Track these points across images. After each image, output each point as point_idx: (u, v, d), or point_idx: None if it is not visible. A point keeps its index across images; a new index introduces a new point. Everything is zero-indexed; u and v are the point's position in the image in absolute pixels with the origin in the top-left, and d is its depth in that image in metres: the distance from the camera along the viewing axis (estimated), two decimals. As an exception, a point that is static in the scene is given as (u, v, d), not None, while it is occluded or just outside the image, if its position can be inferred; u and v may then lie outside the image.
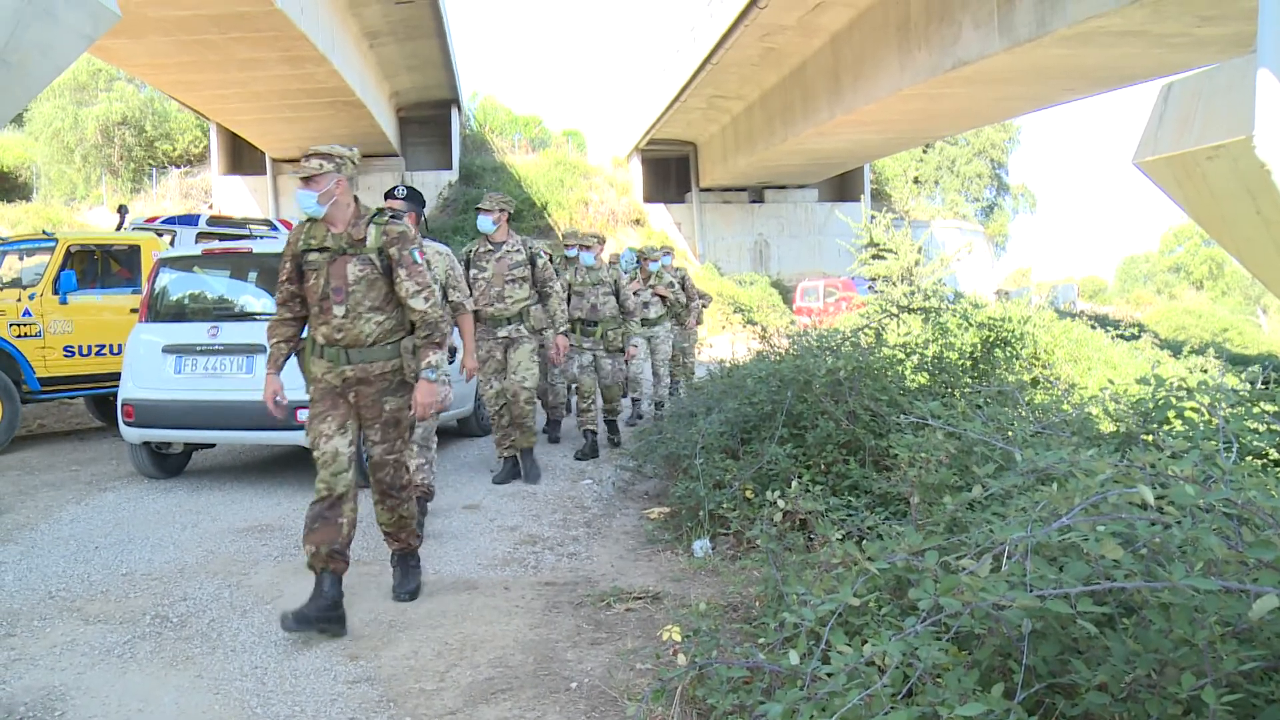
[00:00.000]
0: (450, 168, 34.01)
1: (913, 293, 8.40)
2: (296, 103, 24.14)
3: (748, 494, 5.64)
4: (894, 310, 7.44)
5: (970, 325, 7.24)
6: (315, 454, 4.52)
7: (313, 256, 4.64)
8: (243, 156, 33.15)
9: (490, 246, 7.80)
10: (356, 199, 4.67)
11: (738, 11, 20.65)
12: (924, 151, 41.22)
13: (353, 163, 4.65)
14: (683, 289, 12.15)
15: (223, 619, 4.71)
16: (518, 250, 7.80)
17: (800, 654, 2.14)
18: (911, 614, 2.42)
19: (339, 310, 4.51)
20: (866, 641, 1.97)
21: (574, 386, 9.93)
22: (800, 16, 20.61)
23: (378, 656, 4.23)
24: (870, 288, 24.79)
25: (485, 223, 7.77)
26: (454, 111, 33.98)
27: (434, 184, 33.32)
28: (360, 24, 23.51)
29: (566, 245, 9.63)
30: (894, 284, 23.93)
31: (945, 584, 1.90)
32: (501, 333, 7.66)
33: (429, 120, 33.68)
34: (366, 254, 4.54)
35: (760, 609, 3.97)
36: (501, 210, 7.84)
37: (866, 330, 6.92)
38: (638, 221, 34.58)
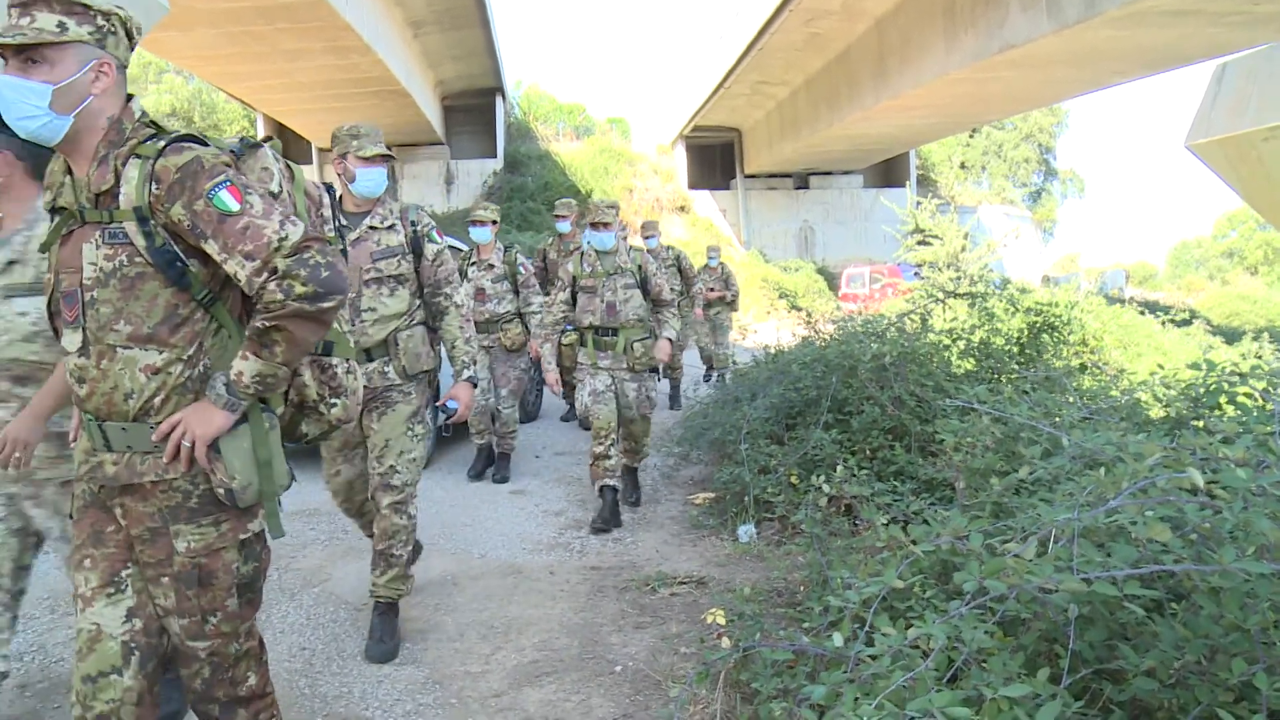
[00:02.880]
0: (495, 156, 34.10)
1: (959, 278, 8.23)
2: (342, 92, 24.28)
3: (793, 479, 5.62)
4: (940, 295, 7.38)
5: (1017, 310, 7.16)
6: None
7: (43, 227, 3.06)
8: (289, 146, 33.40)
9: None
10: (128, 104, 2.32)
11: (782, -4, 20.52)
12: (970, 136, 40.79)
13: (124, 27, 2.31)
14: (680, 273, 10.88)
15: (271, 601, 4.76)
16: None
17: (845, 637, 2.13)
18: (956, 598, 2.41)
19: (70, 339, 2.28)
20: (911, 624, 1.96)
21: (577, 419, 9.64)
22: (845, 1, 20.44)
23: (424, 639, 4.27)
24: (916, 274, 24.56)
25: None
26: (498, 100, 34.05)
27: (479, 172, 33.44)
28: (404, 13, 23.59)
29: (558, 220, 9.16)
30: (940, 270, 23.71)
31: (990, 566, 1.89)
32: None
33: (473, 109, 33.77)
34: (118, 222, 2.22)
35: (805, 593, 3.96)
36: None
37: (912, 316, 6.88)
38: (682, 209, 34.52)
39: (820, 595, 3.54)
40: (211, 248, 2.13)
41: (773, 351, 8.01)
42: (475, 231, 7.46)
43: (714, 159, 35.82)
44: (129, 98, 2.30)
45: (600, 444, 6.10)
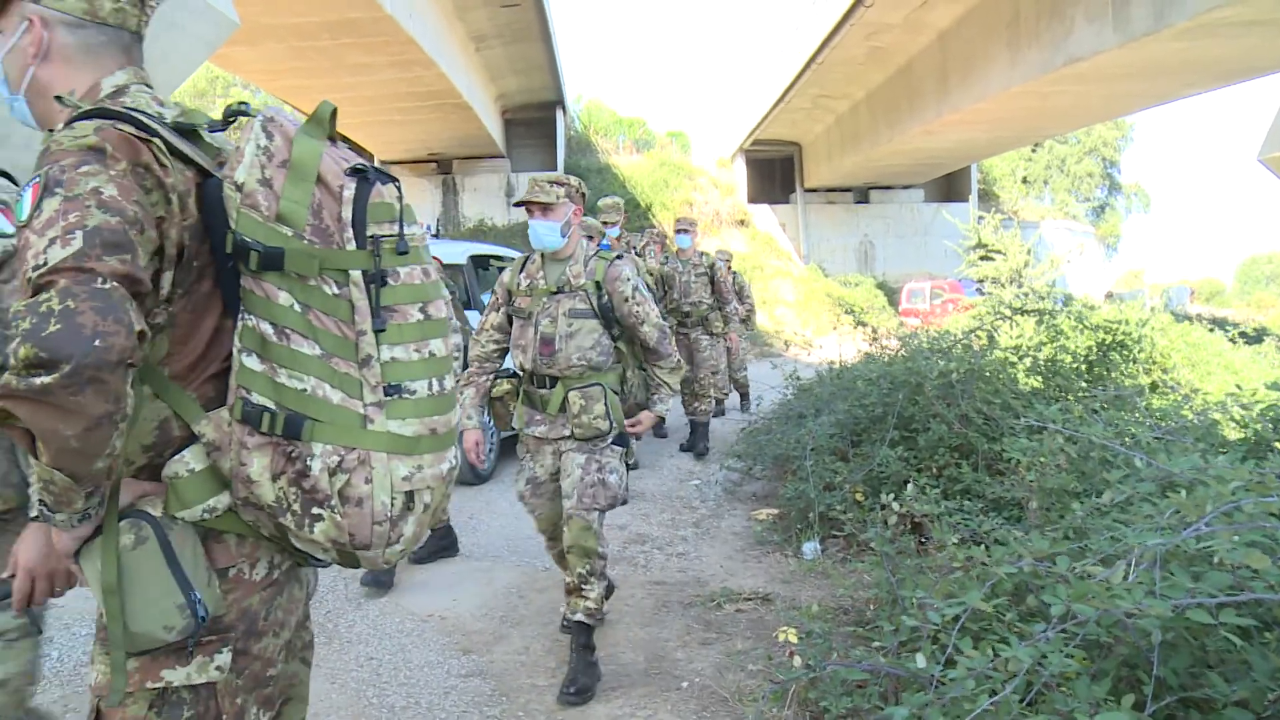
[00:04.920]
0: (555, 168, 34.24)
1: (1026, 295, 8.11)
2: (405, 106, 24.54)
3: (858, 496, 5.60)
4: (1006, 312, 7.31)
5: (1085, 328, 7.07)
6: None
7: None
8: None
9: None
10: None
11: (843, 10, 20.44)
12: (1033, 150, 40.38)
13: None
14: (711, 284, 9.24)
15: (339, 610, 4.82)
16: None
17: (927, 658, 2.12)
18: (1032, 619, 2.39)
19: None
20: (993, 647, 1.95)
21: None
22: (907, 15, 20.34)
23: (490, 651, 4.30)
24: (979, 290, 24.30)
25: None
26: (559, 113, 34.21)
27: (539, 185, 33.53)
28: (467, 27, 23.80)
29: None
30: (1003, 286, 23.45)
31: (1077, 590, 1.87)
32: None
33: (534, 122, 33.95)
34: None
35: (874, 612, 3.94)
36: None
37: (978, 332, 6.82)
38: (742, 222, 34.46)
39: (890, 614, 3.52)
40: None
41: (837, 367, 7.98)
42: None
43: (773, 173, 35.72)
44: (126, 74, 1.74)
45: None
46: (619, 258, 4.13)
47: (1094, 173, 42.94)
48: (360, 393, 1.59)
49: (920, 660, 2.10)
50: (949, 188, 35.67)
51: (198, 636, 1.59)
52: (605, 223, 8.00)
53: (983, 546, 3.54)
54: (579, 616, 3.86)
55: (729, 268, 10.55)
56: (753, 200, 35.26)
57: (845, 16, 20.55)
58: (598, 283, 4.03)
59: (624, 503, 4.78)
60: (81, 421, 1.36)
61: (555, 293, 4.04)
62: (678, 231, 9.27)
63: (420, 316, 1.65)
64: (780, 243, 34.38)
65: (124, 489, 1.58)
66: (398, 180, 1.71)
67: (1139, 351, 7.26)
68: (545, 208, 3.95)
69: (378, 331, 1.60)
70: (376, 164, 1.88)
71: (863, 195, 35.47)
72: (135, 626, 1.54)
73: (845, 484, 5.68)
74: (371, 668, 4.14)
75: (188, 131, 1.66)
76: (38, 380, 1.31)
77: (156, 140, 1.54)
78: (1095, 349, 6.95)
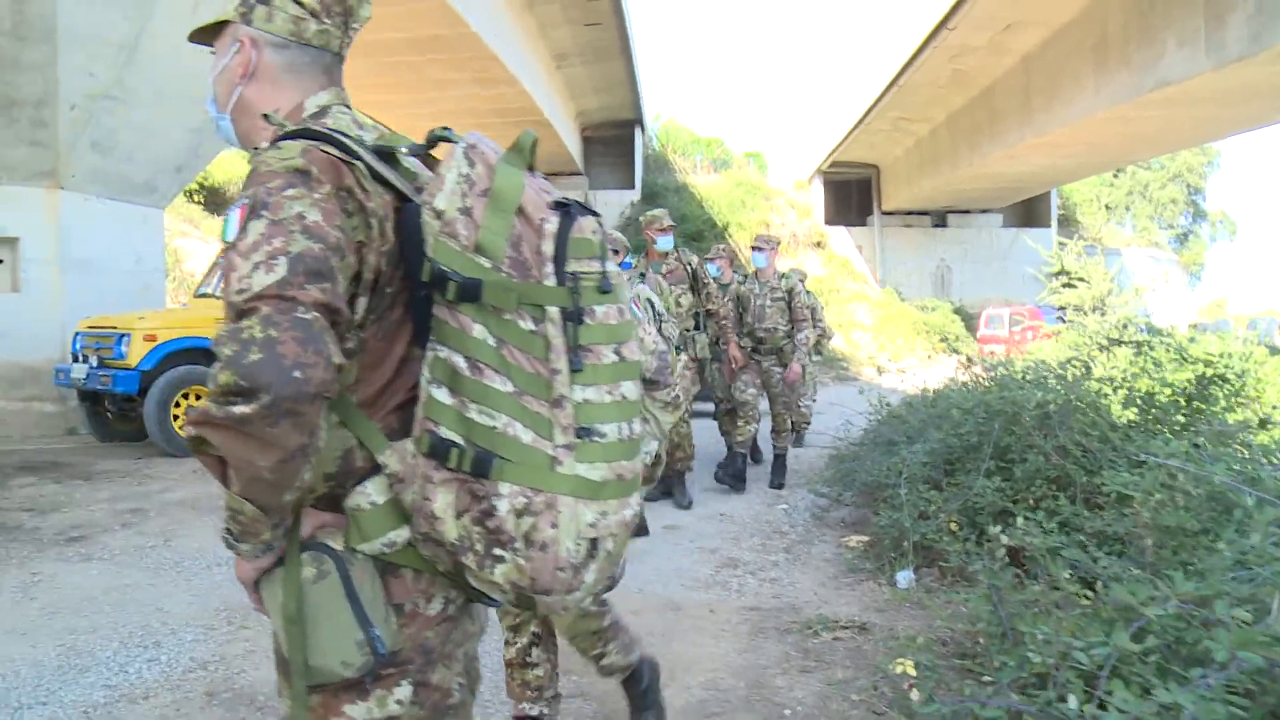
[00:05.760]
0: (633, 187, 34.42)
1: (1124, 325, 7.94)
2: (485, 122, 24.83)
3: (952, 526, 5.55)
4: (1104, 342, 7.20)
5: (1185, 360, 6.94)
6: None
7: None
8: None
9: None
10: None
11: (926, 33, 20.37)
12: (1114, 176, 39.81)
13: None
14: (736, 303, 8.81)
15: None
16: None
17: (1080, 700, 2.10)
18: (1183, 663, 2.35)
19: None
20: (1147, 691, 1.93)
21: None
22: (990, 37, 20.22)
23: (590, 672, 4.31)
24: (1060, 317, 23.99)
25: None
26: (637, 132, 34.41)
27: (616, 203, 33.75)
28: (549, 45, 24.07)
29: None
30: (1085, 314, 23.11)
31: (1241, 637, 1.84)
32: None
33: (612, 140, 34.18)
34: None
35: (981, 646, 3.90)
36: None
37: (1074, 362, 6.73)
38: (819, 244, 34.38)
39: (1000, 649, 3.48)
40: None
41: (930, 395, 7.91)
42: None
43: (850, 195, 35.60)
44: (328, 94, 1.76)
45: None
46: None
47: (1178, 199, 42.21)
48: (550, 433, 1.52)
49: (1073, 702, 2.08)
50: (1028, 213, 35.30)
51: (375, 671, 1.57)
52: (659, 230, 7.81)
53: (1099, 584, 3.50)
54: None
55: (804, 285, 9.75)
56: (829, 222, 35.19)
57: (928, 39, 20.49)
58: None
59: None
60: (276, 453, 1.36)
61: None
62: (754, 249, 8.83)
63: (615, 358, 1.59)
64: (856, 265, 34.24)
65: (304, 518, 1.58)
66: (599, 215, 1.66)
67: (1241, 386, 7.10)
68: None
69: (574, 371, 1.54)
70: (580, 197, 1.79)
71: (940, 219, 35.21)
72: (314, 660, 1.53)
73: (940, 513, 5.63)
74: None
75: (386, 154, 1.64)
76: (236, 409, 1.31)
77: (359, 163, 1.54)
78: (1194, 382, 6.81)
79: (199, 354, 9.99)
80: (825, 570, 5.97)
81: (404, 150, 1.67)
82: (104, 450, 10.33)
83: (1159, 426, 6.07)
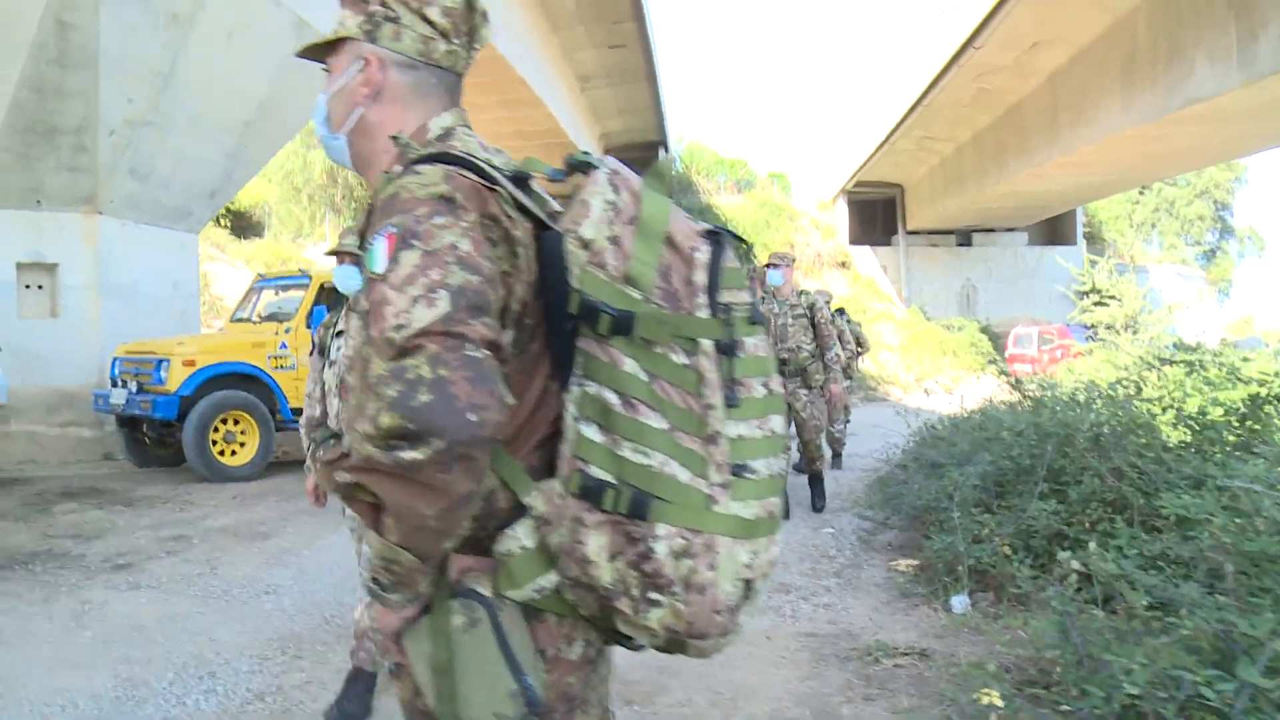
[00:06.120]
0: (656, 209, 34.41)
1: (1174, 345, 7.79)
2: (510, 144, 24.90)
3: (1006, 550, 5.48)
4: (1155, 362, 7.12)
5: (1239, 379, 6.84)
6: None
7: None
8: (455, 196, 34.36)
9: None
10: None
11: (952, 52, 20.33)
12: (1140, 193, 39.60)
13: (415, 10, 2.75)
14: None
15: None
16: None
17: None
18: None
19: None
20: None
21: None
22: (1016, 56, 20.16)
23: (652, 703, 4.26)
24: (1091, 335, 23.87)
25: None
26: (661, 153, 34.48)
27: (640, 226, 33.71)
28: (574, 68, 24.17)
29: None
30: (1117, 332, 22.99)
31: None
32: None
33: (636, 161, 32.89)
34: None
35: (1059, 674, 3.82)
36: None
37: (1125, 382, 6.66)
38: (844, 264, 34.32)
39: (1077, 677, 3.42)
40: None
41: (976, 416, 7.84)
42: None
43: (875, 214, 35.54)
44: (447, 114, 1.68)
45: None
46: None
47: (1205, 215, 41.92)
48: (705, 471, 1.44)
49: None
50: (1053, 231, 35.16)
51: None
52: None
53: (1182, 611, 3.42)
54: None
55: (829, 307, 9.43)
56: (854, 242, 35.16)
57: (954, 58, 20.45)
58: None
59: None
60: (444, 500, 1.28)
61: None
62: (768, 266, 8.46)
63: (764, 391, 1.52)
64: (881, 285, 34.17)
65: (449, 563, 1.49)
66: (749, 244, 1.60)
67: (1295, 406, 6.99)
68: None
69: (729, 406, 1.46)
70: (727, 226, 1.72)
71: (965, 238, 35.12)
72: (465, 713, 1.44)
73: (994, 537, 5.57)
74: (532, 713, 4.13)
75: (522, 179, 1.55)
76: (406, 455, 1.22)
77: (501, 189, 1.47)
78: (1247, 402, 6.72)
79: (237, 379, 10.02)
80: (878, 595, 5.91)
81: (543, 175, 1.61)
82: (142, 476, 10.36)
83: (1212, 447, 6.00)
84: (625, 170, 1.57)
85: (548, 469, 1.49)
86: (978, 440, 6.97)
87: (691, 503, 1.42)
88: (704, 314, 1.48)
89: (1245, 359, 7.41)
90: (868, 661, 4.69)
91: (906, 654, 4.76)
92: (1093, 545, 3.93)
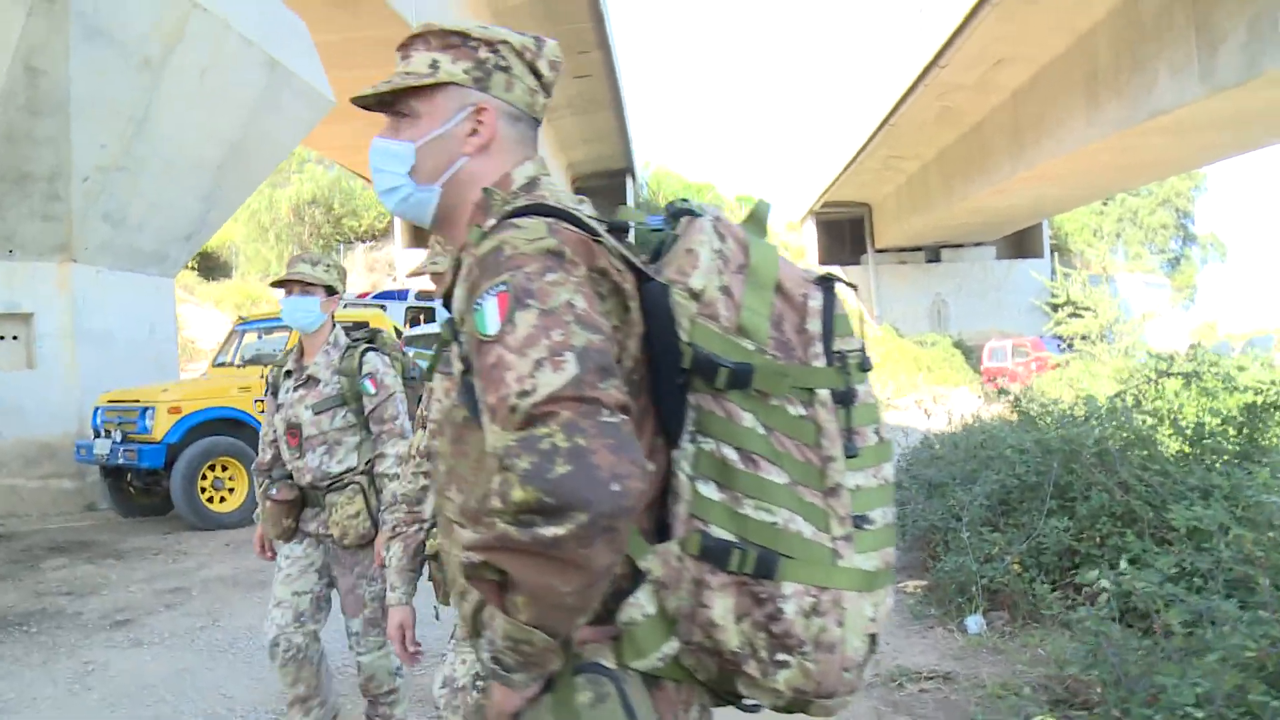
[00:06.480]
0: (625, 235, 34.54)
1: (1171, 357, 7.77)
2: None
3: (1016, 568, 5.47)
4: (1152, 375, 7.16)
5: (1235, 389, 6.89)
6: None
7: None
8: (423, 231, 34.22)
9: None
10: None
11: (917, 73, 20.59)
12: (1104, 204, 40.01)
13: (524, 60, 2.11)
14: None
15: None
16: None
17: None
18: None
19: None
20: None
21: None
22: (980, 74, 20.42)
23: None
24: (1064, 347, 24.03)
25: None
26: (628, 180, 34.59)
27: (609, 253, 33.86)
28: (540, 100, 24.27)
29: None
30: (1094, 343, 23.17)
31: None
32: None
33: (604, 189, 34.31)
34: None
35: (1100, 695, 3.80)
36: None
37: (1125, 395, 6.68)
38: (814, 285, 34.56)
39: (1117, 698, 3.40)
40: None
41: (978, 435, 7.82)
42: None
43: (844, 234, 35.78)
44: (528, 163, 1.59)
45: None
46: None
47: (1168, 224, 42.38)
48: (827, 525, 1.38)
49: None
50: (1021, 244, 35.52)
51: None
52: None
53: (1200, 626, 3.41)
54: None
55: None
56: (823, 262, 35.37)
57: (919, 78, 20.71)
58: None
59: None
60: (584, 577, 1.19)
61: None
62: None
63: (876, 439, 1.48)
64: (852, 304, 34.31)
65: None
66: (855, 286, 1.55)
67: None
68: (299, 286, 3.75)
69: (849, 456, 1.41)
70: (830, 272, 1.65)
71: (934, 254, 35.43)
72: None
73: (1005, 555, 5.56)
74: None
75: (620, 230, 1.48)
76: (546, 531, 1.13)
77: (604, 240, 1.39)
78: (1244, 411, 6.75)
79: (224, 424, 9.88)
80: (890, 618, 5.86)
81: (642, 223, 1.56)
82: (129, 526, 10.17)
83: (1213, 456, 6.02)
84: (725, 217, 1.50)
85: (658, 531, 1.41)
86: (981, 459, 6.96)
87: (817, 558, 1.37)
88: (820, 363, 1.44)
89: (1241, 368, 7.47)
90: (892, 687, 4.66)
91: (930, 677, 4.74)
92: (1124, 563, 3.92)
